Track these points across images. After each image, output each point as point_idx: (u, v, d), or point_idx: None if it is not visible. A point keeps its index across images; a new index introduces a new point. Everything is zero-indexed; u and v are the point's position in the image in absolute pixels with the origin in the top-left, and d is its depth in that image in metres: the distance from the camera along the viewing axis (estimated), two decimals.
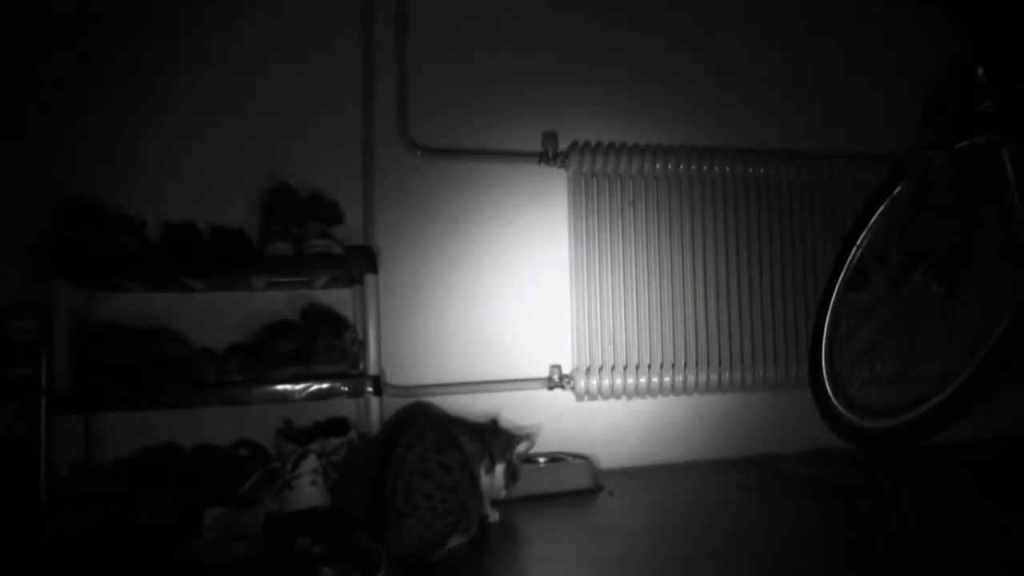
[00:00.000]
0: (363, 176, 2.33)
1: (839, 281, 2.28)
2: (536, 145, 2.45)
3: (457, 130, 2.43)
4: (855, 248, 2.23)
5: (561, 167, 2.45)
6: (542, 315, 2.44)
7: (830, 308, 2.28)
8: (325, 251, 1.97)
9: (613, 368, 2.40)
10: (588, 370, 2.38)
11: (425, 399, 2.26)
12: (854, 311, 2.28)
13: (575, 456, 2.26)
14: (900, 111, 2.61)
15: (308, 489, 1.76)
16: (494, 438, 1.85)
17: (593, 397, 2.40)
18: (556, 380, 2.40)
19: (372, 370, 2.02)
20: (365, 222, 2.31)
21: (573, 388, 2.39)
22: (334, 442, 2.02)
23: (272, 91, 2.29)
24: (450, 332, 2.37)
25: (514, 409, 2.34)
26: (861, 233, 2.23)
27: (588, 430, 2.45)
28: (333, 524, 1.63)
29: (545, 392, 2.41)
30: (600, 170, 2.43)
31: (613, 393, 2.40)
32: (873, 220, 2.22)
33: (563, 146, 2.46)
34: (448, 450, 1.65)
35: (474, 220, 2.42)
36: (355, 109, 2.35)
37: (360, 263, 2.02)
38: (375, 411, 1.99)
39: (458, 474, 1.63)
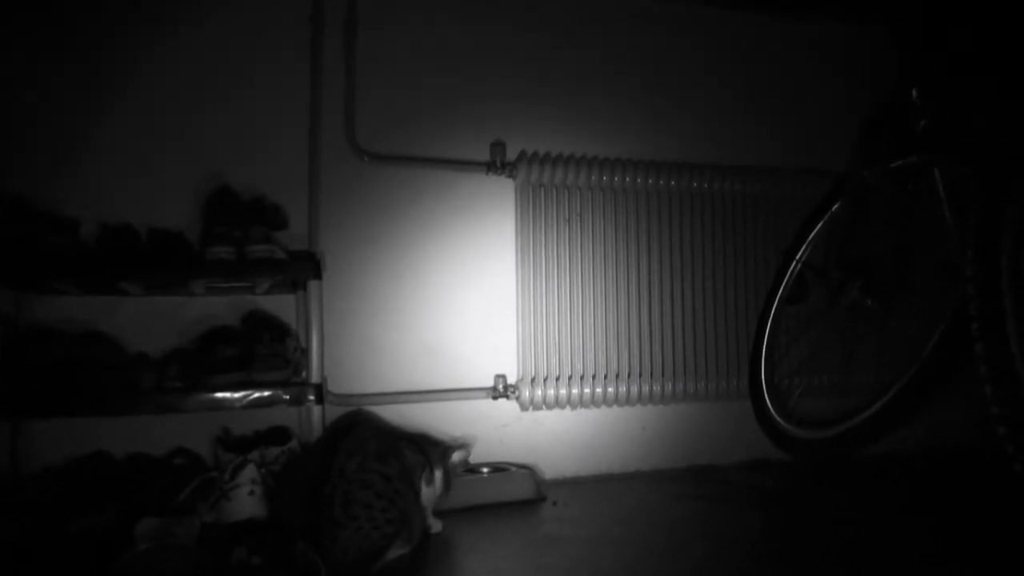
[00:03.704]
0: (309, 181, 2.29)
1: (779, 294, 2.31)
2: (485, 154, 2.44)
3: (406, 137, 2.41)
4: (795, 262, 2.26)
5: (509, 177, 2.45)
6: (488, 324, 2.43)
7: (770, 321, 2.30)
8: (268, 256, 1.92)
9: (558, 378, 2.40)
10: (533, 380, 2.38)
11: (367, 408, 2.23)
12: (793, 324, 2.31)
13: (519, 466, 2.26)
14: (842, 129, 2.69)
15: (246, 499, 1.72)
16: (432, 447, 1.84)
17: (538, 407, 2.40)
18: (501, 390, 2.39)
19: (314, 378, 1.98)
20: (310, 227, 2.27)
21: (518, 398, 2.38)
22: (274, 451, 1.98)
23: (217, 92, 2.24)
24: (395, 340, 2.34)
25: (458, 419, 2.35)
26: (801, 247, 2.27)
27: (533, 440, 2.44)
28: (271, 535, 1.59)
29: (490, 402, 2.40)
30: (548, 181, 2.43)
31: (558, 403, 2.40)
32: (812, 235, 2.26)
33: (511, 156, 2.46)
34: (389, 460, 1.63)
35: (421, 228, 2.40)
36: (302, 113, 2.31)
37: (304, 269, 1.98)
38: (316, 420, 1.96)
39: (399, 484, 1.61)
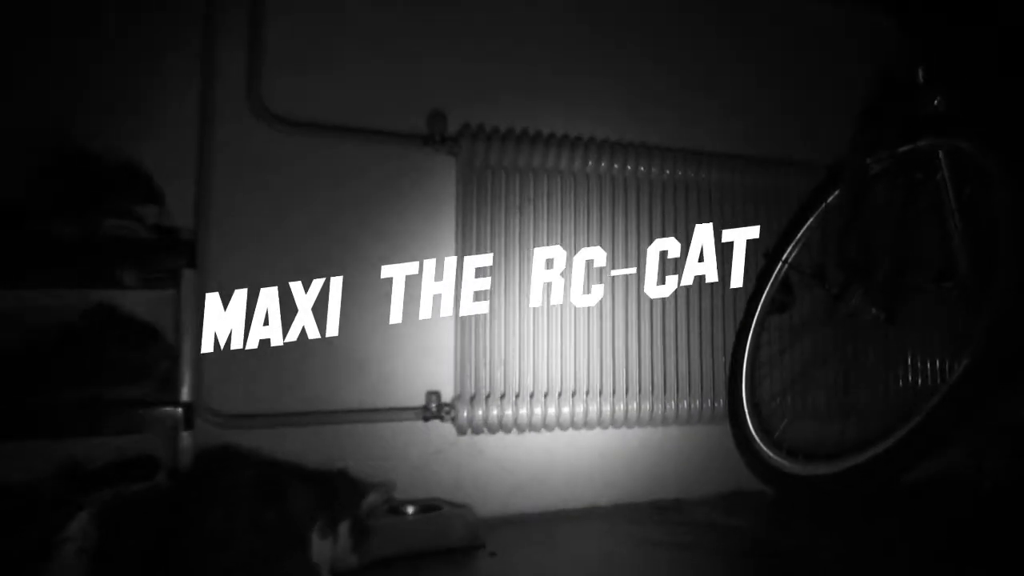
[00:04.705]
0: (198, 150, 1.87)
1: (761, 301, 2.05)
2: (423, 126, 2.07)
3: (325, 101, 2.01)
4: (780, 264, 2.02)
5: (449, 154, 2.09)
6: (419, 331, 2.05)
7: (751, 332, 2.05)
8: (123, 235, 1.50)
9: (503, 396, 2.04)
10: (472, 398, 2.02)
11: (256, 432, 1.81)
12: (778, 336, 2.07)
13: (452, 504, 1.90)
14: (839, 117, 2.41)
15: (72, 561, 1.29)
16: (342, 487, 1.45)
17: (478, 430, 2.03)
18: (433, 410, 2.02)
19: (185, 395, 1.56)
20: (198, 206, 1.85)
21: (454, 420, 2.01)
22: (135, 489, 1.55)
23: (74, 25, 1.81)
24: (301, 348, 1.92)
25: (380, 445, 1.98)
26: (787, 248, 2.03)
27: (471, 470, 2.08)
28: None
29: (420, 424, 2.02)
30: (496, 161, 2.08)
31: (502, 426, 2.04)
32: (801, 233, 2.02)
33: (454, 129, 2.09)
34: (267, 505, 1.24)
35: (341, 211, 2.01)
36: (191, 64, 1.90)
37: (172, 254, 1.56)
38: (187, 449, 1.54)
39: (279, 539, 1.21)
